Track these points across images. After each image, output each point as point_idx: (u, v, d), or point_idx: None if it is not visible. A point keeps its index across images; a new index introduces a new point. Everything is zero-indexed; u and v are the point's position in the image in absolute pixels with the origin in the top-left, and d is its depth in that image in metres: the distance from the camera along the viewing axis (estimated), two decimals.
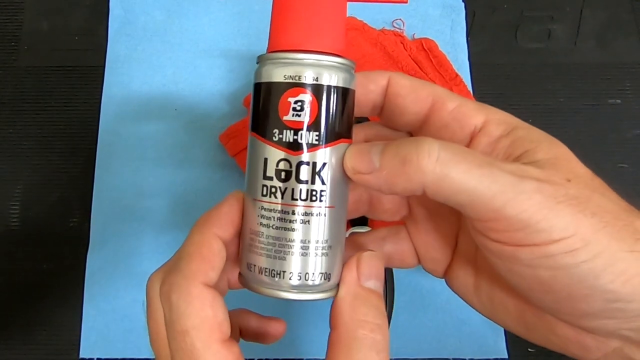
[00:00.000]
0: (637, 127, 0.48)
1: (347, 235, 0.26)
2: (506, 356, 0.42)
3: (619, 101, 0.49)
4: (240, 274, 0.26)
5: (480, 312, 0.28)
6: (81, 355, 0.42)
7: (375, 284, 0.24)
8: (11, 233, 0.45)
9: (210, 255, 0.23)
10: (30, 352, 0.43)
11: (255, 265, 0.24)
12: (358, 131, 0.27)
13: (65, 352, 0.43)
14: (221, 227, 0.24)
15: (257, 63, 0.25)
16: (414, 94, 0.25)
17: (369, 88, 0.26)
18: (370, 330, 0.22)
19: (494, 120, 0.24)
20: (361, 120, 0.28)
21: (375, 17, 0.50)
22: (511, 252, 0.21)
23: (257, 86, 0.24)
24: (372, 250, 0.25)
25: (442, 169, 0.21)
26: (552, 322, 0.24)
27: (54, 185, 0.47)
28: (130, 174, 0.46)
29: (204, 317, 0.21)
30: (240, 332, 0.30)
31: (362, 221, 0.41)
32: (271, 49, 0.24)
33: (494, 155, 0.24)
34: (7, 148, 0.48)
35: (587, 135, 0.48)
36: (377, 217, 0.30)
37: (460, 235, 0.28)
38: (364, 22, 0.48)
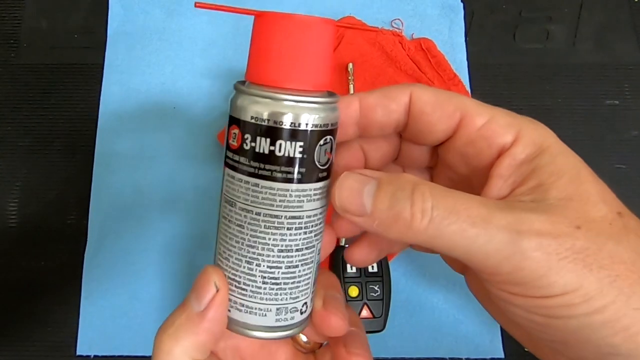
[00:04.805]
0: (635, 128, 0.48)
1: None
2: (502, 356, 0.42)
3: (617, 102, 0.49)
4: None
5: (494, 319, 0.27)
6: (78, 352, 0.42)
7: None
8: (9, 230, 0.46)
9: None
10: (27, 349, 0.43)
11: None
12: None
13: (62, 349, 0.43)
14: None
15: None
16: (440, 110, 0.24)
17: (391, 108, 0.24)
18: None
19: (523, 141, 0.23)
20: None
21: (373, 16, 0.50)
22: (507, 298, 0.21)
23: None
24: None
25: (434, 231, 0.20)
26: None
27: (52, 183, 0.47)
28: (129, 171, 0.46)
29: None
30: None
31: None
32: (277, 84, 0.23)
33: (510, 182, 0.23)
34: (5, 145, 0.48)
35: (585, 136, 0.48)
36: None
37: None
38: (363, 21, 0.49)
